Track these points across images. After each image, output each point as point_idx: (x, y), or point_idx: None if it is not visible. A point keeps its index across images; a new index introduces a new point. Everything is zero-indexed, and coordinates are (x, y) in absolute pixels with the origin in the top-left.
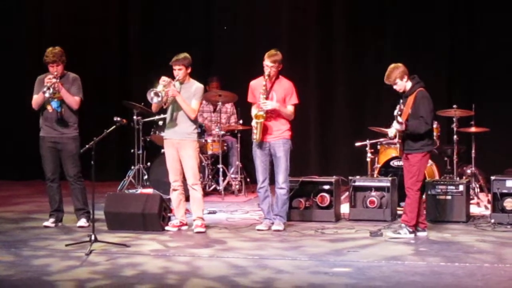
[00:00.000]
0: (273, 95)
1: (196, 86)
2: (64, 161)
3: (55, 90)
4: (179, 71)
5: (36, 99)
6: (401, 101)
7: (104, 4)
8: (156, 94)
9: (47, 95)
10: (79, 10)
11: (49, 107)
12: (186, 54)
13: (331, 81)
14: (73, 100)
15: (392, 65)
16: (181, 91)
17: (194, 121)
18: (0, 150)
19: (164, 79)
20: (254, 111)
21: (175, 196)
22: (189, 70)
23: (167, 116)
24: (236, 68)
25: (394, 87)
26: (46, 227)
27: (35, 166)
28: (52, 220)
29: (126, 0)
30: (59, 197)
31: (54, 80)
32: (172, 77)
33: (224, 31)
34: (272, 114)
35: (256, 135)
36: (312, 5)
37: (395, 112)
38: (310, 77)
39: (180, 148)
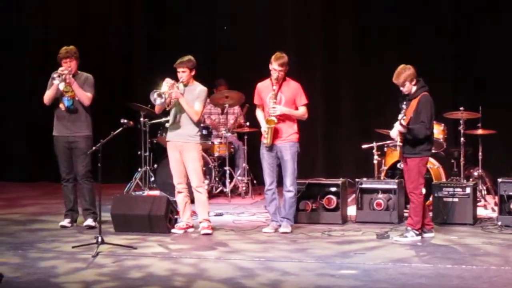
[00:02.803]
0: (281, 97)
1: (200, 89)
2: (75, 159)
3: (66, 81)
4: (183, 73)
5: (48, 93)
6: (404, 103)
7: (108, 6)
8: (160, 95)
9: (56, 81)
10: (83, 12)
11: (61, 105)
12: (190, 57)
13: (337, 83)
14: (85, 95)
15: (402, 66)
16: (185, 94)
17: (197, 123)
18: (7, 152)
19: (168, 81)
20: (259, 114)
21: (180, 199)
22: (193, 73)
23: (170, 118)
24: (241, 70)
25: (401, 88)
26: (63, 227)
27: (42, 168)
28: (68, 220)
29: (130, 2)
30: (74, 197)
31: (66, 71)
32: (176, 79)
33: (228, 32)
34: (281, 117)
35: (267, 139)
36: (317, 6)
37: (400, 116)
38: (316, 80)
39: (183, 151)
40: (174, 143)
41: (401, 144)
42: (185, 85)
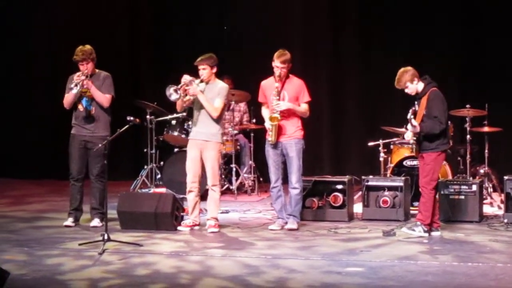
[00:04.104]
0: (284, 94)
1: (220, 86)
2: (91, 159)
3: (83, 87)
4: (203, 70)
5: (67, 98)
6: (416, 102)
7: (115, 4)
8: (175, 91)
9: (74, 91)
10: (90, 9)
11: (79, 106)
12: (211, 54)
13: (344, 80)
14: (104, 97)
15: (401, 69)
16: (205, 91)
17: (218, 121)
18: (13, 149)
19: (185, 78)
20: (265, 111)
21: (191, 197)
22: (214, 70)
23: (193, 116)
24: (247, 67)
25: (406, 90)
26: (66, 226)
27: (48, 165)
28: (71, 219)
29: (137, 0)
30: (80, 197)
31: (83, 77)
32: (196, 76)
33: (234, 31)
34: (285, 114)
35: (271, 137)
36: (324, 4)
37: (408, 116)
38: (323, 77)
39: (204, 149)
40: (195, 141)
41: (415, 143)
42: (206, 83)
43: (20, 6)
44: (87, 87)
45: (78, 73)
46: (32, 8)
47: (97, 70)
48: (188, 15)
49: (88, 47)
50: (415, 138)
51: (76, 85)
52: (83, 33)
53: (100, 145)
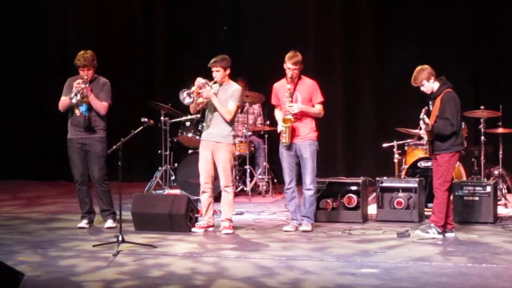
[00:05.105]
0: (297, 96)
1: (234, 88)
2: (90, 162)
3: (83, 95)
4: (216, 72)
5: (63, 102)
6: (430, 102)
7: (129, 5)
8: (189, 95)
9: (74, 101)
10: (103, 11)
11: (77, 111)
12: (224, 56)
13: (357, 82)
14: (101, 105)
15: (419, 67)
16: (219, 93)
17: (231, 123)
18: (27, 150)
19: (199, 80)
20: (278, 114)
21: (204, 198)
22: (227, 72)
23: (205, 118)
24: (261, 69)
25: (422, 88)
26: (81, 228)
27: (61, 167)
28: (85, 221)
29: (151, 2)
30: (90, 199)
31: (82, 85)
32: (210, 78)
33: (250, 32)
34: (298, 116)
35: (285, 139)
36: (338, 6)
37: (421, 115)
38: (336, 78)
39: (215, 151)
40: (207, 143)
41: (428, 143)
42: (220, 84)
43: (34, 6)
44: (86, 94)
45: (78, 81)
46: (47, 8)
47: (96, 76)
48: (202, 17)
49: (90, 53)
50: (428, 139)
51: (76, 94)
52: (98, 34)
53: (114, 147)
